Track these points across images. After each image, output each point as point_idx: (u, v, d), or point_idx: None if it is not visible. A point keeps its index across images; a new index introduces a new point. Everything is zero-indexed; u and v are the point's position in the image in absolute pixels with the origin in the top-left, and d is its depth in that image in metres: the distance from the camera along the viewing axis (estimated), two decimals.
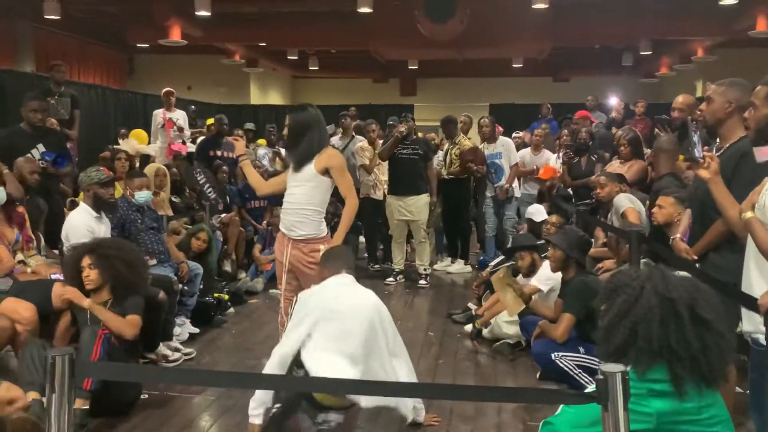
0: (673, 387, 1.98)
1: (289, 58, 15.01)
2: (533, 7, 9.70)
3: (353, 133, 8.11)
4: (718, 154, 3.02)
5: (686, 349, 1.91)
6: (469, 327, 5.24)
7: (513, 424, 3.57)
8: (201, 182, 6.70)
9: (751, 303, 2.17)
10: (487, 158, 7.53)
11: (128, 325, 3.69)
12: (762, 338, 2.17)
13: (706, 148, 2.57)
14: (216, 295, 5.56)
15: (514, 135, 9.24)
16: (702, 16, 10.90)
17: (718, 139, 3.13)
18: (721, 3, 9.75)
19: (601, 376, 1.64)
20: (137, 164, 7.14)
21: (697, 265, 3.00)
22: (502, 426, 3.55)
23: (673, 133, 4.84)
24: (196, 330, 5.07)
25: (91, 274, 3.70)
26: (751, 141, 2.49)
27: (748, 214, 2.31)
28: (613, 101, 9.95)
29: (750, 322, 2.31)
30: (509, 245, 5.50)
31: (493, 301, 5.06)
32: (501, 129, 8.73)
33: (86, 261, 3.73)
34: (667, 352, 1.93)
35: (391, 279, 7.04)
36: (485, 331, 5.03)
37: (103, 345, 3.45)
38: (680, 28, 11.45)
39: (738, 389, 3.26)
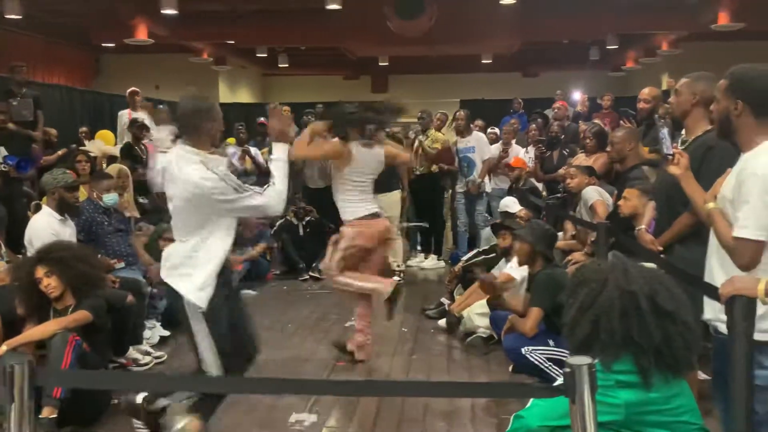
0: (639, 378, 2.00)
1: (258, 55, 14.87)
2: (501, 3, 9.75)
3: None
4: (683, 147, 3.08)
5: (649, 340, 1.93)
6: (442, 322, 5.26)
7: (487, 418, 3.59)
8: None
9: (713, 292, 2.20)
10: (460, 152, 7.56)
11: (73, 322, 3.56)
12: (722, 327, 2.21)
13: (675, 144, 2.61)
14: None
15: (489, 131, 9.28)
16: (666, 10, 11.06)
17: (684, 132, 3.19)
18: None
19: (568, 369, 1.65)
20: (104, 165, 7.03)
21: (662, 256, 3.04)
22: (476, 420, 3.57)
23: (639, 126, 4.91)
24: (167, 333, 5.01)
25: (51, 282, 3.61)
26: (717, 134, 2.52)
27: (710, 205, 2.35)
28: (577, 95, 10.05)
29: (711, 311, 2.35)
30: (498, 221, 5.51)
31: (468, 294, 5.08)
32: (480, 124, 8.75)
33: (40, 271, 3.62)
34: (631, 344, 1.95)
35: None
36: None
37: (74, 351, 3.38)
38: (645, 23, 11.60)
39: (704, 376, 3.32)
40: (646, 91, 4.87)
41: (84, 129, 9.02)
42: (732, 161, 2.72)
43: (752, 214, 2.14)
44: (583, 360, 1.65)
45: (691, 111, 3.04)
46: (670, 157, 2.56)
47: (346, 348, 4.55)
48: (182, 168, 2.93)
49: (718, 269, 2.29)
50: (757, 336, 2.14)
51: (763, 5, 10.14)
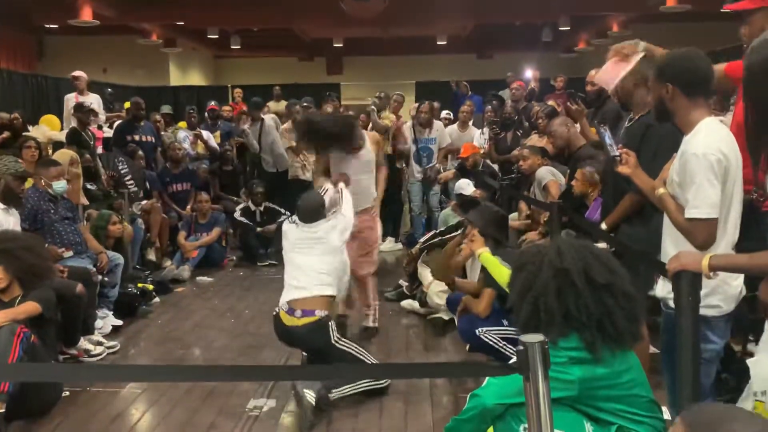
0: (588, 353, 2.04)
1: (209, 37, 14.54)
2: None
3: (261, 116, 8.06)
4: (628, 124, 3.14)
5: (588, 315, 1.98)
6: (406, 303, 5.29)
7: (444, 397, 3.63)
8: (122, 171, 6.45)
9: (662, 268, 2.25)
10: (421, 142, 7.58)
11: (21, 314, 3.44)
12: (671, 301, 2.27)
13: (620, 146, 2.64)
14: (140, 285, 5.38)
15: (443, 114, 9.28)
16: None
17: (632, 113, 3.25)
18: None
19: (521, 347, 1.66)
20: (50, 151, 6.79)
21: (612, 234, 3.11)
22: (434, 399, 3.60)
23: (589, 108, 4.98)
24: (120, 322, 4.90)
25: None
26: (655, 119, 2.58)
27: (661, 191, 2.40)
28: (529, 73, 10.09)
29: (663, 288, 2.41)
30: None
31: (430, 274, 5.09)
32: (436, 106, 8.73)
33: None
34: (573, 320, 1.99)
35: None
36: (418, 307, 5.10)
37: (21, 344, 3.26)
38: (596, 4, 11.78)
39: (654, 350, 3.42)
40: (593, 73, 4.93)
41: (16, 115, 8.46)
42: (670, 139, 2.80)
43: (700, 193, 2.19)
44: (535, 338, 1.67)
45: (634, 91, 3.11)
46: (618, 158, 2.59)
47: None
48: None
49: (673, 250, 2.34)
50: (705, 311, 2.20)
51: None
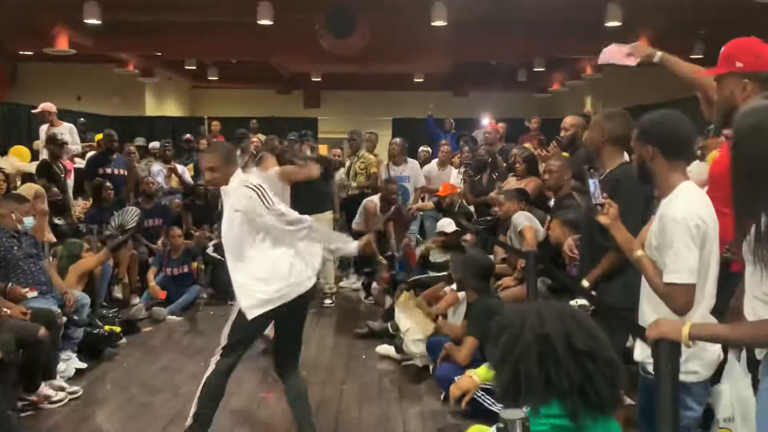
0: (570, 420, 2.00)
1: (186, 67, 14.51)
2: (432, 24, 9.87)
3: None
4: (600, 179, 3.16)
5: (570, 382, 1.93)
6: (381, 348, 5.19)
7: None
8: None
9: (643, 334, 2.23)
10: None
11: None
12: (650, 366, 2.25)
13: (604, 195, 2.64)
14: (107, 328, 5.19)
15: (421, 149, 9.36)
16: (589, 36, 11.45)
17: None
18: (606, 25, 10.32)
19: (501, 425, 1.61)
20: (18, 184, 6.63)
21: (593, 293, 3.09)
22: None
23: (563, 152, 5.02)
24: (84, 365, 4.74)
25: None
26: (638, 180, 2.58)
27: (639, 253, 2.39)
28: (486, 120, 9.98)
29: (642, 352, 2.39)
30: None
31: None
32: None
33: None
34: (554, 386, 1.95)
35: None
36: (394, 353, 5.02)
37: None
38: (570, 47, 12.01)
39: (629, 401, 3.38)
40: (568, 120, 4.99)
41: None
42: (640, 195, 2.80)
43: (679, 258, 2.19)
44: (516, 414, 1.62)
45: (602, 147, 3.18)
46: (600, 207, 2.59)
47: None
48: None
49: (651, 314, 2.31)
50: (684, 377, 2.18)
51: (680, 32, 10.67)
